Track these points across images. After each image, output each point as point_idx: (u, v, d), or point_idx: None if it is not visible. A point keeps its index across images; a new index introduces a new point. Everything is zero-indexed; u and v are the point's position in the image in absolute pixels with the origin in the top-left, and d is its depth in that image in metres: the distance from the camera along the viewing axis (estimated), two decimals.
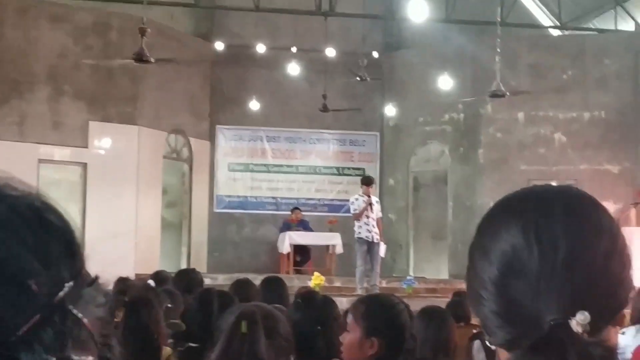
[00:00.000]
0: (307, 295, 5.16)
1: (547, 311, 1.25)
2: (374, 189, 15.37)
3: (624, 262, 1.33)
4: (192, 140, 19.99)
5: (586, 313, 1.22)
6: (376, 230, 14.90)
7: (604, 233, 1.33)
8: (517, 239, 1.31)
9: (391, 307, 3.71)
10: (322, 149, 21.31)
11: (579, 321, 1.22)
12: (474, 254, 1.39)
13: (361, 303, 3.73)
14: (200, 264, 18.98)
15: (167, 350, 4.75)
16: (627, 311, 7.53)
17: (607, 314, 1.29)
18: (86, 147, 17.57)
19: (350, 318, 3.69)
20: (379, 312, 3.67)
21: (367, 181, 15.35)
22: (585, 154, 18.90)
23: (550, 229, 1.30)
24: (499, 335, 1.32)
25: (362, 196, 14.88)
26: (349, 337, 3.63)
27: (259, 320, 2.69)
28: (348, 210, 19.29)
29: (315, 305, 4.32)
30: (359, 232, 14.88)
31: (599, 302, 1.26)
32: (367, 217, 14.80)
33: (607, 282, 1.29)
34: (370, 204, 14.75)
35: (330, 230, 19.05)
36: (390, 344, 3.56)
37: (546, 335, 1.23)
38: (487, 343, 1.39)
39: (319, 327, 3.99)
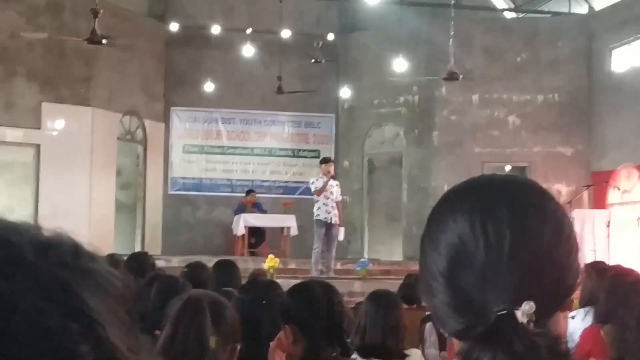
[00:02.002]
0: (252, 279, 5.18)
1: (493, 302, 1.27)
2: (333, 169, 15.36)
3: (571, 249, 1.35)
4: (147, 121, 19.89)
5: (531, 303, 1.24)
6: (335, 212, 14.96)
7: (549, 221, 1.34)
8: (464, 230, 1.33)
9: (297, 291, 3.73)
10: (277, 130, 21.29)
11: (524, 311, 1.24)
12: (425, 246, 1.40)
13: (283, 297, 3.76)
14: (154, 246, 18.95)
15: None
16: (577, 294, 7.60)
17: (555, 302, 1.31)
18: (39, 128, 17.41)
19: None
20: (286, 300, 3.70)
21: (323, 160, 15.42)
22: (538, 137, 19.06)
23: (496, 220, 1.32)
24: (450, 325, 1.34)
25: (322, 177, 14.93)
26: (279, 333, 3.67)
27: (206, 307, 2.69)
28: (303, 192, 19.39)
29: (261, 288, 4.33)
30: (318, 214, 14.93)
31: (546, 291, 1.28)
32: (327, 198, 14.85)
33: (553, 271, 1.31)
34: (332, 178, 14.85)
35: (285, 213, 19.06)
36: (307, 329, 3.57)
37: (492, 326, 1.25)
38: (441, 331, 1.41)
39: (264, 309, 3.99)
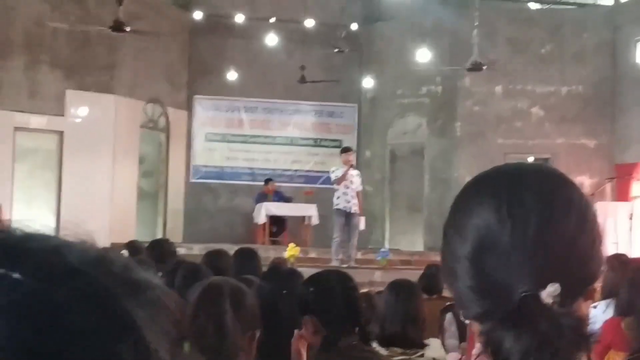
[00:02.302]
0: (273, 267, 5.19)
1: (518, 284, 1.29)
2: (354, 159, 15.37)
3: (594, 237, 1.37)
4: (170, 109, 19.93)
5: (556, 285, 1.26)
6: (355, 201, 14.95)
7: (573, 209, 1.37)
8: (490, 215, 1.35)
9: (315, 281, 3.74)
10: (300, 120, 21.28)
11: (549, 293, 1.26)
12: (448, 232, 1.43)
13: (300, 288, 3.77)
14: (176, 234, 18.99)
15: None
16: (599, 284, 7.58)
17: (577, 287, 1.33)
18: (62, 115, 17.48)
19: None
20: (304, 291, 3.71)
21: (344, 149, 15.43)
22: (561, 128, 18.97)
23: (522, 206, 1.34)
24: (472, 308, 1.36)
25: (343, 167, 14.94)
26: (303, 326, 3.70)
27: (226, 294, 2.69)
28: (324, 182, 19.37)
29: (282, 277, 4.34)
30: (337, 203, 14.94)
31: (569, 276, 1.30)
32: (347, 187, 14.86)
33: (576, 256, 1.33)
34: (352, 166, 14.85)
35: (307, 202, 19.06)
36: (326, 319, 3.59)
37: (517, 307, 1.27)
38: (461, 317, 1.43)
39: (285, 298, 4.00)
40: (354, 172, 15.01)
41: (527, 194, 1.36)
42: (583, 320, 1.31)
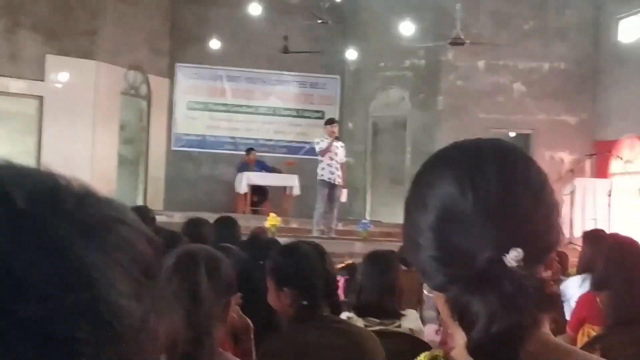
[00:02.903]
0: (253, 236, 5.18)
1: (482, 250, 1.33)
2: (338, 130, 15.36)
3: (552, 208, 1.43)
4: (151, 77, 19.82)
5: (519, 250, 1.30)
6: (339, 173, 14.99)
7: (532, 181, 1.42)
8: (452, 186, 1.40)
9: (293, 253, 3.75)
10: (282, 90, 21.22)
11: (513, 257, 1.30)
12: (410, 206, 1.48)
13: (272, 258, 3.78)
14: (156, 202, 18.97)
15: None
16: (575, 259, 7.57)
17: (538, 255, 1.37)
18: (43, 80, 17.36)
19: (267, 277, 3.79)
20: (282, 263, 3.71)
21: (328, 121, 15.41)
22: (543, 104, 18.98)
23: (483, 177, 1.39)
24: (436, 278, 1.40)
25: (327, 138, 14.93)
26: (270, 294, 3.73)
27: (201, 261, 2.68)
28: (306, 153, 19.37)
29: (260, 246, 4.34)
30: (322, 174, 14.96)
31: (530, 243, 1.34)
32: (331, 159, 14.87)
33: (536, 225, 1.38)
34: (336, 139, 14.84)
35: (288, 172, 19.05)
36: (303, 291, 3.61)
37: (482, 271, 1.31)
38: (425, 290, 1.49)
39: (263, 268, 4.00)
40: (338, 144, 15.01)
41: (487, 165, 1.41)
42: (546, 282, 1.34)
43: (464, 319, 1.31)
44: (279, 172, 19.49)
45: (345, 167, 15.30)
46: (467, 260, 1.33)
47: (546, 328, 1.42)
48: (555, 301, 1.37)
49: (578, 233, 15.19)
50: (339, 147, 15.05)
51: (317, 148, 15.00)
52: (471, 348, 1.29)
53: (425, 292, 1.53)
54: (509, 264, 1.30)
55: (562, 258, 8.76)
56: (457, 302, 1.32)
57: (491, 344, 1.27)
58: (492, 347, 1.27)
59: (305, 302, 3.62)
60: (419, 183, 1.49)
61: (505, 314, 1.27)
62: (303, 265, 3.68)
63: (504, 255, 1.31)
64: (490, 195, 1.37)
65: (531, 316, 1.29)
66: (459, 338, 1.36)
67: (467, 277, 1.31)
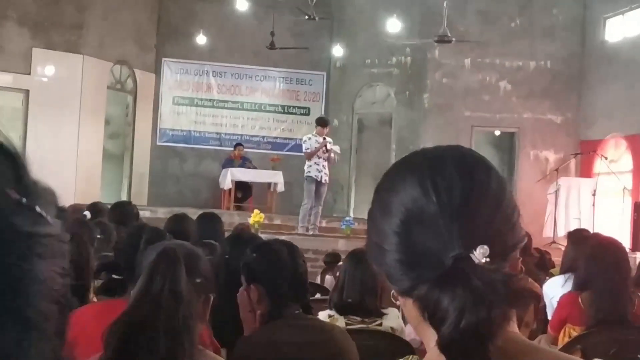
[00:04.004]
0: (236, 233, 5.17)
1: (448, 249, 1.36)
2: (328, 131, 15.35)
3: (513, 209, 1.46)
4: (137, 71, 19.78)
5: (485, 246, 1.34)
6: (326, 171, 15.01)
7: (492, 183, 1.45)
8: (415, 190, 1.43)
9: (263, 250, 3.76)
10: (268, 86, 21.22)
11: (480, 253, 1.33)
12: (374, 213, 1.52)
13: (245, 255, 3.79)
14: (141, 197, 18.96)
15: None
16: (559, 259, 7.57)
17: (502, 252, 1.40)
18: (29, 73, 17.31)
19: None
20: (252, 259, 3.73)
21: (322, 122, 15.36)
22: (528, 103, 19.01)
23: (444, 178, 1.42)
24: (404, 281, 1.41)
25: (315, 136, 14.92)
26: (240, 290, 3.72)
27: (180, 259, 2.68)
28: (291, 149, 19.38)
29: (243, 243, 4.33)
30: (309, 171, 14.98)
31: (494, 240, 1.37)
32: (318, 157, 14.86)
33: (499, 224, 1.41)
34: (325, 146, 14.81)
35: (273, 168, 19.04)
36: (271, 288, 3.62)
37: (450, 268, 1.33)
38: (392, 297, 1.52)
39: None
40: (327, 142, 14.95)
41: (448, 168, 1.44)
42: (514, 276, 1.35)
43: (434, 315, 1.32)
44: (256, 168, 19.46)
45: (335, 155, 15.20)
46: (434, 260, 1.35)
47: (514, 326, 1.45)
48: (524, 296, 1.38)
49: (562, 232, 15.27)
50: (329, 144, 15.01)
51: (304, 147, 14.98)
52: (442, 344, 1.30)
53: (392, 299, 1.54)
54: (476, 260, 1.33)
55: (544, 257, 8.79)
56: (427, 299, 1.34)
57: (461, 339, 1.28)
58: (463, 342, 1.28)
59: (272, 299, 3.63)
60: (382, 190, 1.52)
61: (475, 309, 1.28)
62: (272, 262, 3.69)
63: (472, 252, 1.33)
64: (453, 197, 1.39)
65: (501, 311, 1.30)
66: (430, 340, 1.38)
67: (435, 276, 1.33)
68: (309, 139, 15.01)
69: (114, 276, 4.46)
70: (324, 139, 14.91)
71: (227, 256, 4.38)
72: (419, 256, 1.39)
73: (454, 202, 1.39)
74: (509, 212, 1.44)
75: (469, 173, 1.44)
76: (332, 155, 14.93)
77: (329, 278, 9.23)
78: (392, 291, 1.48)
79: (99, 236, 6.20)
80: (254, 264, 3.69)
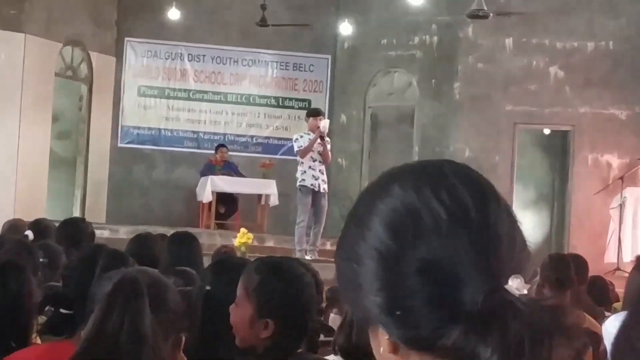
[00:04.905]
0: (219, 259, 5.15)
1: (473, 281, 1.33)
2: (326, 126, 15.23)
3: (517, 225, 1.45)
4: (93, 54, 19.79)
5: (520, 277, 1.37)
6: (324, 177, 15.00)
7: (496, 194, 1.45)
8: (412, 200, 1.41)
9: (293, 280, 3.69)
10: (259, 73, 21.24)
11: (516, 285, 1.34)
12: (356, 238, 1.45)
13: (256, 273, 3.70)
14: (97, 212, 18.99)
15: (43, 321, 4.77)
16: (621, 290, 7.58)
17: (526, 280, 1.45)
18: None
19: (240, 289, 3.68)
20: (277, 287, 3.65)
21: (314, 112, 15.40)
22: (586, 94, 18.98)
23: (451, 189, 1.41)
24: (423, 327, 1.36)
25: (308, 134, 14.95)
26: (238, 313, 3.63)
27: (143, 290, 2.68)
28: (287, 152, 19.36)
29: (229, 271, 4.28)
30: (303, 179, 14.99)
31: (518, 266, 1.39)
32: (314, 160, 14.87)
33: (519, 244, 1.42)
34: (322, 138, 14.80)
35: (264, 176, 19.04)
36: (288, 325, 3.58)
37: (484, 307, 1.31)
38: (400, 354, 1.43)
39: (232, 299, 3.98)
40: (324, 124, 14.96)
41: (450, 178, 1.42)
42: (565, 311, 1.34)
43: None
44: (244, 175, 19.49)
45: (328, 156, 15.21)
46: (458, 296, 1.33)
47: None
48: (580, 337, 1.35)
49: (628, 257, 15.26)
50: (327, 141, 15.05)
51: (296, 146, 15.01)
52: None
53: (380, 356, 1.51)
54: (511, 295, 1.32)
55: (605, 288, 8.79)
56: (461, 351, 1.31)
57: None
58: None
59: (284, 337, 3.60)
60: (363, 208, 1.47)
61: (529, 352, 1.27)
62: (302, 298, 3.65)
63: (504, 284, 1.33)
64: (465, 208, 1.39)
65: (557, 353, 1.29)
66: None
67: (466, 318, 1.31)
68: (301, 137, 15.06)
69: (61, 311, 4.46)
70: (321, 136, 14.87)
71: (207, 288, 4.36)
72: (443, 293, 1.35)
73: (471, 220, 1.38)
74: (518, 230, 1.44)
75: (475, 184, 1.44)
76: (329, 147, 14.94)
77: (334, 316, 9.23)
78: (381, 347, 1.44)
79: (42, 260, 6.22)
80: (278, 295, 3.63)
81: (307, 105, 20.12)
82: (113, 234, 15.67)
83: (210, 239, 15.25)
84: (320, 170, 14.97)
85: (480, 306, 1.31)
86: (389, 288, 1.38)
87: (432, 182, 1.41)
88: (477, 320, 1.30)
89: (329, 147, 15.12)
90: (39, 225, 8.54)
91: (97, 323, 2.64)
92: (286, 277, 3.70)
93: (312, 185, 14.94)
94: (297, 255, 15.10)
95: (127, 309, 2.63)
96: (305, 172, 14.96)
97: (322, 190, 15.02)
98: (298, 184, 15.07)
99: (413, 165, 1.48)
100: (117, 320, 2.64)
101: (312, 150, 14.88)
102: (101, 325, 2.63)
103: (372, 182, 1.50)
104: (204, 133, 21.03)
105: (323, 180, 15.02)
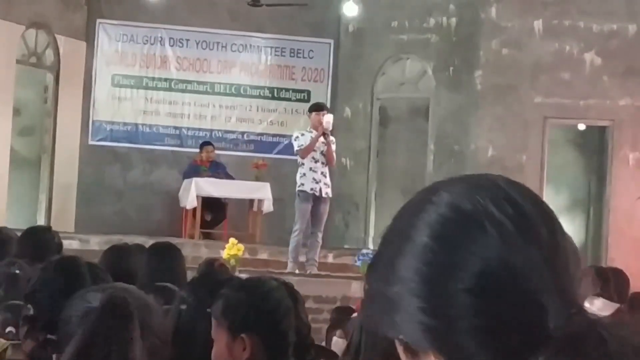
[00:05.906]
0: (205, 273, 5.16)
1: (549, 303, 1.34)
2: (330, 122, 15.25)
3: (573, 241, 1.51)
4: (60, 38, 19.80)
5: (600, 298, 1.34)
6: (327, 180, 15.00)
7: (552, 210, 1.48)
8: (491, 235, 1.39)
9: (256, 288, 3.83)
10: (250, 60, 21.26)
11: (597, 307, 1.34)
12: (393, 259, 1.45)
13: (218, 299, 3.81)
14: (65, 220, 18.97)
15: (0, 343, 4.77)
16: None
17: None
18: None
19: (213, 322, 3.81)
20: (240, 297, 3.78)
21: (317, 107, 15.42)
22: (627, 85, 19.00)
23: (512, 202, 1.41)
24: (490, 351, 1.36)
25: (310, 132, 14.96)
26: (216, 347, 3.76)
27: (134, 314, 2.66)
28: (283, 151, 19.37)
29: (214, 287, 4.32)
30: (302, 184, 15.01)
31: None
32: (315, 161, 14.88)
33: (579, 264, 1.44)
34: (324, 135, 14.80)
35: (257, 179, 19.04)
36: (264, 336, 3.65)
37: (572, 332, 1.32)
38: None
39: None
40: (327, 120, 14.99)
41: (502, 190, 1.43)
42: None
43: None
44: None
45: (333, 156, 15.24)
46: (536, 318, 1.34)
47: None
48: None
49: None
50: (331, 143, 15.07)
51: (296, 145, 15.02)
52: None
53: None
54: (595, 316, 1.34)
55: None
56: None
57: None
58: None
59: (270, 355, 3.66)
60: (439, 249, 1.44)
61: None
62: (271, 304, 3.72)
63: (585, 306, 1.35)
64: (537, 229, 1.39)
65: None
66: None
67: (552, 344, 1.32)
68: (302, 135, 15.07)
69: (48, 337, 4.47)
70: (324, 133, 14.88)
71: (183, 307, 4.39)
72: (511, 317, 1.35)
73: (540, 234, 1.39)
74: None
75: (533, 198, 1.45)
76: (333, 147, 14.96)
77: (337, 339, 9.24)
78: None
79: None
80: (243, 306, 3.71)
81: (305, 97, 20.13)
82: (83, 244, 15.68)
83: (194, 251, 15.28)
84: (322, 173, 14.96)
85: (566, 330, 1.32)
86: (439, 308, 1.38)
87: (489, 192, 1.42)
88: (564, 345, 1.31)
89: (333, 147, 15.12)
90: None
91: (78, 352, 2.63)
92: (247, 286, 3.83)
93: (312, 190, 14.93)
94: (289, 266, 15.13)
95: (115, 335, 2.62)
96: (305, 174, 14.96)
97: (324, 195, 15.00)
98: (297, 187, 15.08)
99: (460, 177, 1.50)
100: (103, 349, 2.63)
101: (315, 150, 14.88)
102: (84, 353, 2.62)
103: (411, 198, 1.52)
104: (188, 129, 21.02)
105: (325, 184, 15.01)
